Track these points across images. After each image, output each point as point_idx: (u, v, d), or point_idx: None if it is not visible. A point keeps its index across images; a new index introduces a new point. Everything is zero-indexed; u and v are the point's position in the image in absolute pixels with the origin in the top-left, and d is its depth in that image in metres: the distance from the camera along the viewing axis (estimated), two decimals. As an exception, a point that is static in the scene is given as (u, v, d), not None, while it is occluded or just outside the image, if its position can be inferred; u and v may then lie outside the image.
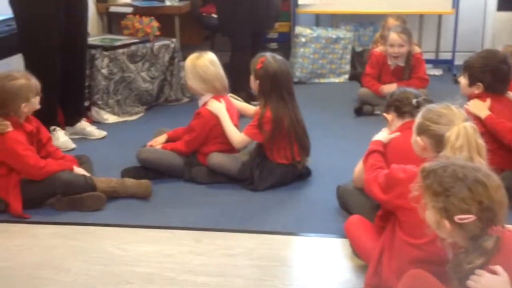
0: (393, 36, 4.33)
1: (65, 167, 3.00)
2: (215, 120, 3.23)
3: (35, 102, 2.96)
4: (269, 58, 3.16)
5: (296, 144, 3.20)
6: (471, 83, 3.07)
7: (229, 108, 3.32)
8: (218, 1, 4.69)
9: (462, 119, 2.01)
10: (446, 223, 1.59)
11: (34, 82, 2.95)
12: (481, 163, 1.87)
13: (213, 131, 3.25)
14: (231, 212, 2.94)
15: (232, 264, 2.46)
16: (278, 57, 3.20)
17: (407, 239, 2.06)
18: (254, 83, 3.21)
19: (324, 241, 2.65)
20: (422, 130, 2.15)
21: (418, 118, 2.19)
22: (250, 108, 3.48)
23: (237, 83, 4.07)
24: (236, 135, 3.22)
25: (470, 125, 1.95)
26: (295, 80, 5.38)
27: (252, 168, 3.18)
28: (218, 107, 3.23)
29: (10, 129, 2.87)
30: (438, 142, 2.02)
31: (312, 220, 2.86)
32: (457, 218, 1.57)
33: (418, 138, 2.17)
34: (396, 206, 2.12)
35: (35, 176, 2.91)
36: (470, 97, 3.13)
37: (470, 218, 1.56)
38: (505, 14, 5.66)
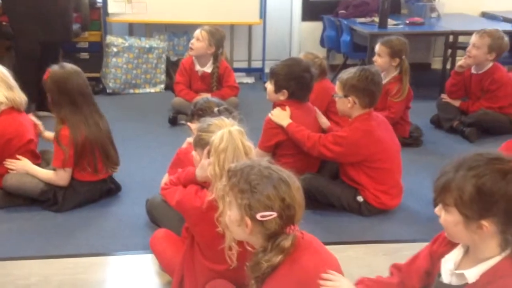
0: (196, 32, 4.40)
1: None
2: (8, 136, 2.98)
3: None
4: (55, 67, 2.97)
5: (101, 156, 3.04)
6: (277, 89, 3.17)
7: (25, 121, 3.09)
8: (6, 8, 4.30)
9: (230, 126, 2.02)
10: (248, 221, 1.59)
11: None
12: None
13: (7, 149, 2.98)
14: (30, 238, 2.72)
15: (27, 295, 2.25)
16: (68, 65, 3.01)
17: (207, 264, 2.05)
18: (48, 98, 2.99)
19: (132, 259, 2.55)
20: (196, 143, 2.14)
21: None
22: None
23: None
24: (51, 176, 2.97)
25: (236, 129, 1.97)
26: (109, 91, 5.22)
27: (55, 188, 2.96)
28: (22, 166, 2.98)
29: None
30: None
31: (121, 237, 2.74)
32: (259, 215, 1.57)
33: (194, 153, 2.16)
34: (194, 232, 2.09)
35: None
36: (275, 104, 3.24)
37: (272, 215, 1.57)
38: (309, 24, 6.04)
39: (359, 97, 2.91)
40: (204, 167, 2.05)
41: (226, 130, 1.94)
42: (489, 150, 1.54)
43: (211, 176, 1.97)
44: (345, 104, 2.95)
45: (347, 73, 2.97)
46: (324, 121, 3.30)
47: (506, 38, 4.15)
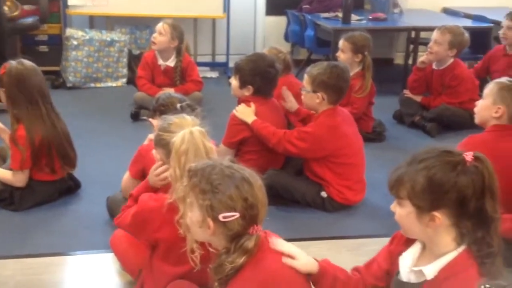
0: (158, 25, 4.32)
1: None
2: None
3: None
4: (13, 63, 2.87)
5: (58, 156, 2.95)
6: (242, 85, 3.13)
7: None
8: None
9: (192, 125, 1.96)
10: (210, 222, 1.55)
11: None
12: None
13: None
14: (-14, 238, 2.63)
15: (-18, 298, 2.17)
16: (27, 62, 2.91)
17: (166, 268, 1.99)
18: (2, 94, 2.88)
19: (92, 258, 2.50)
20: (156, 142, 2.08)
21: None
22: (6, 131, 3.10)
23: None
24: (8, 177, 2.87)
25: (197, 130, 1.90)
26: (69, 85, 5.10)
27: (12, 187, 2.87)
28: None
29: None
30: (169, 151, 1.94)
31: (80, 236, 2.68)
32: (221, 216, 1.53)
33: (155, 152, 2.11)
34: (157, 240, 2.02)
35: None
36: (240, 99, 3.20)
37: (234, 215, 1.53)
38: (273, 19, 6.02)
39: (329, 94, 2.90)
40: (151, 174, 2.08)
41: (187, 131, 1.87)
42: (444, 145, 1.57)
43: (171, 179, 1.91)
44: (313, 99, 2.93)
45: (317, 68, 2.95)
46: (292, 99, 3.28)
47: (467, 34, 4.21)
